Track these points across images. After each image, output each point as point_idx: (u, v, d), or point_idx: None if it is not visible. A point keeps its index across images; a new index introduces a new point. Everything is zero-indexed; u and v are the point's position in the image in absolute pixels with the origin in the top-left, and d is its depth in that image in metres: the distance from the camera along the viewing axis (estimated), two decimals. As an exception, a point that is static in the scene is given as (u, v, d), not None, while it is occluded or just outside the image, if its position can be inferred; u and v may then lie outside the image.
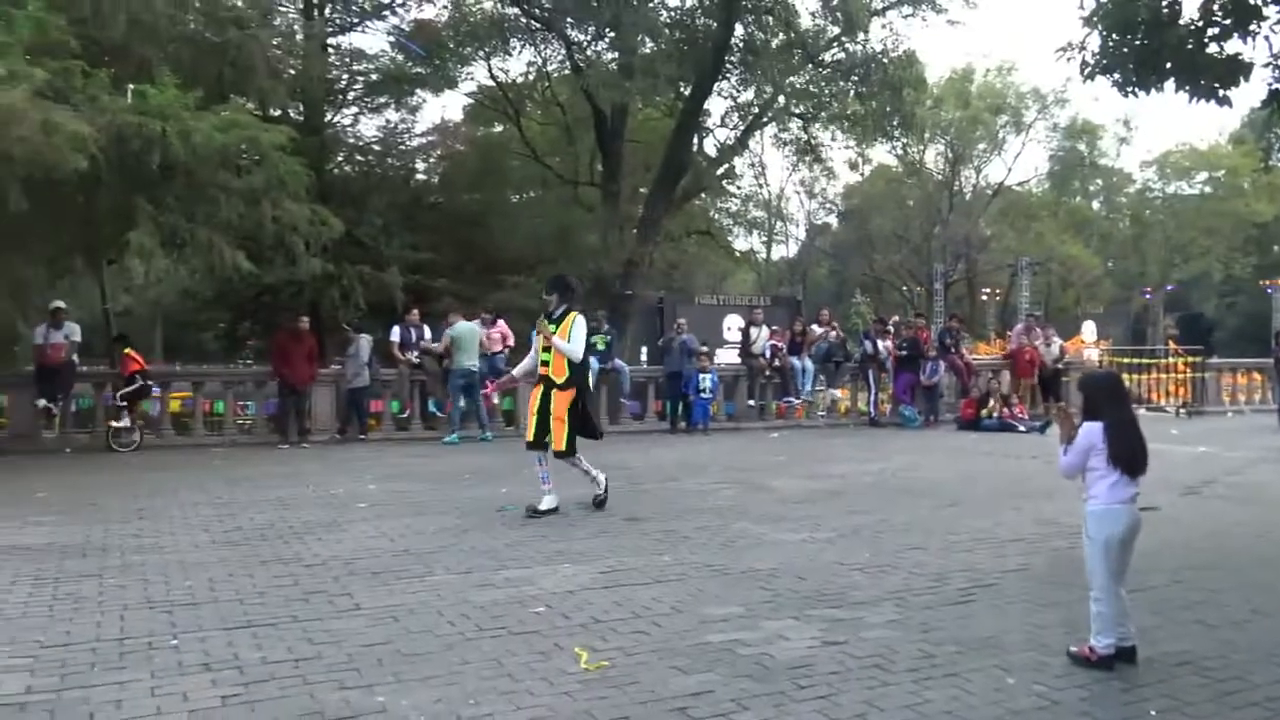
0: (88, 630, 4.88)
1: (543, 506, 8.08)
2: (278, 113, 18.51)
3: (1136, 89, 6.95)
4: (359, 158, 25.72)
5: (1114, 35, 6.85)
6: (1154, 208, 56.29)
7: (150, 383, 14.12)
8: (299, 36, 20.23)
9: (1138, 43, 6.81)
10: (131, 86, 12.57)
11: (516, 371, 9.28)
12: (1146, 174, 56.85)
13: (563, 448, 8.15)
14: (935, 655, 4.58)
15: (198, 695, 4.02)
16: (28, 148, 10.20)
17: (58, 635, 4.80)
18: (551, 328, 8.14)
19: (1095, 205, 59.76)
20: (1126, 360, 22.65)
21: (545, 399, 8.18)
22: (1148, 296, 44.32)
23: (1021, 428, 15.66)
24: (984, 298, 50.01)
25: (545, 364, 8.21)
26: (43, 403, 13.22)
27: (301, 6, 22.22)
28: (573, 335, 8.10)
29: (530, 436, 8.25)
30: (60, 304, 13.75)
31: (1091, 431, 4.53)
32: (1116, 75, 6.96)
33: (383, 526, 7.60)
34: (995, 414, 16.11)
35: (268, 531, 7.42)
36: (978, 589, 5.77)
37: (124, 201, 12.60)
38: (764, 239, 53.84)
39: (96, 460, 12.26)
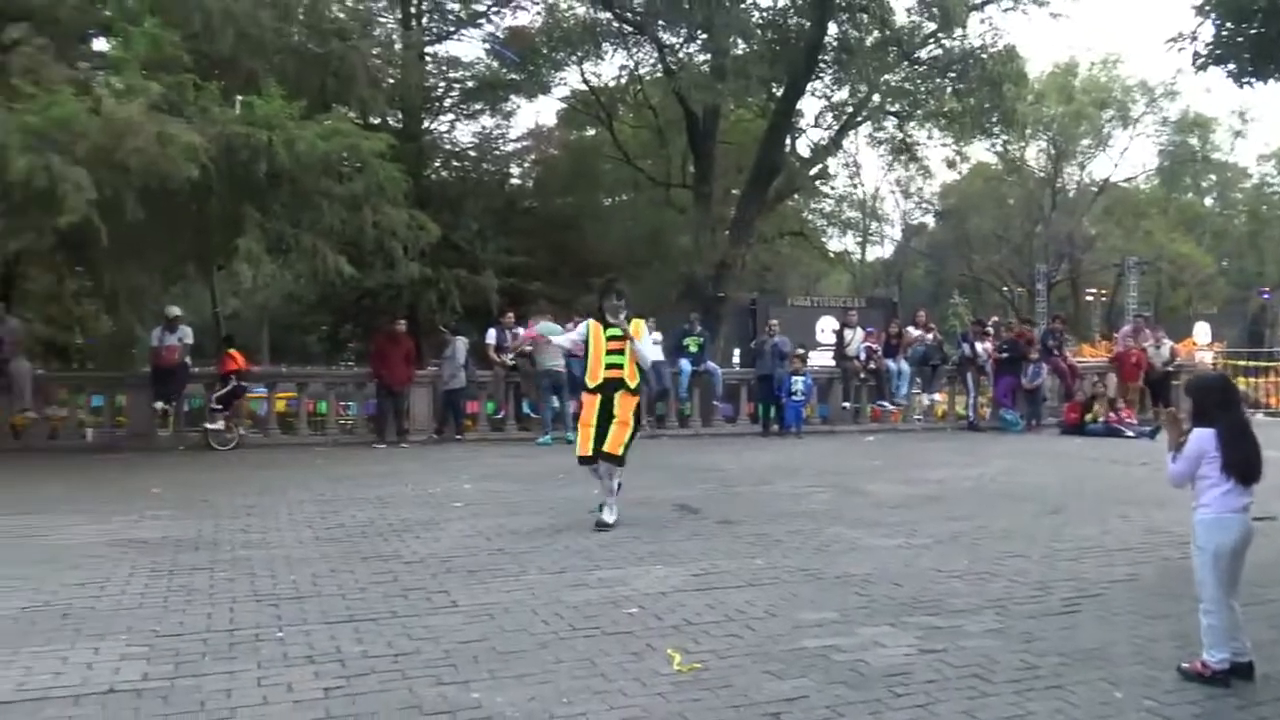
0: (199, 621, 5.08)
1: (612, 520, 7.69)
2: (377, 121, 18.96)
3: (1252, 79, 6.67)
4: (455, 163, 26.23)
5: (1228, 24, 6.59)
6: (1272, 203, 53.81)
7: (243, 384, 14.46)
8: (398, 46, 20.73)
9: (1254, 31, 6.54)
10: (240, 98, 13.02)
11: (553, 337, 9.27)
12: (1264, 168, 54.43)
13: (620, 452, 7.69)
14: (1038, 666, 4.45)
15: (302, 686, 4.15)
16: (143, 159, 10.65)
17: (172, 625, 5.01)
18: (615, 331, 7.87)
19: (1208, 201, 57.44)
20: (1242, 363, 21.74)
21: (608, 404, 7.73)
22: (1265, 296, 42.21)
23: (1129, 432, 15.13)
24: (1089, 298, 48.47)
25: (616, 366, 7.81)
26: (159, 405, 13.82)
27: (400, 17, 22.79)
28: (648, 340, 8.07)
29: (587, 450, 7.70)
30: (176, 310, 14.34)
31: (1202, 438, 4.35)
32: (1231, 65, 6.69)
33: (478, 525, 7.72)
34: (1101, 418, 15.58)
35: (368, 529, 7.61)
36: (1083, 599, 5.59)
37: (233, 209, 13.06)
38: (858, 240, 53.16)
39: (207, 458, 12.75)
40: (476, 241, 22.39)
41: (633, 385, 7.89)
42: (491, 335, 15.36)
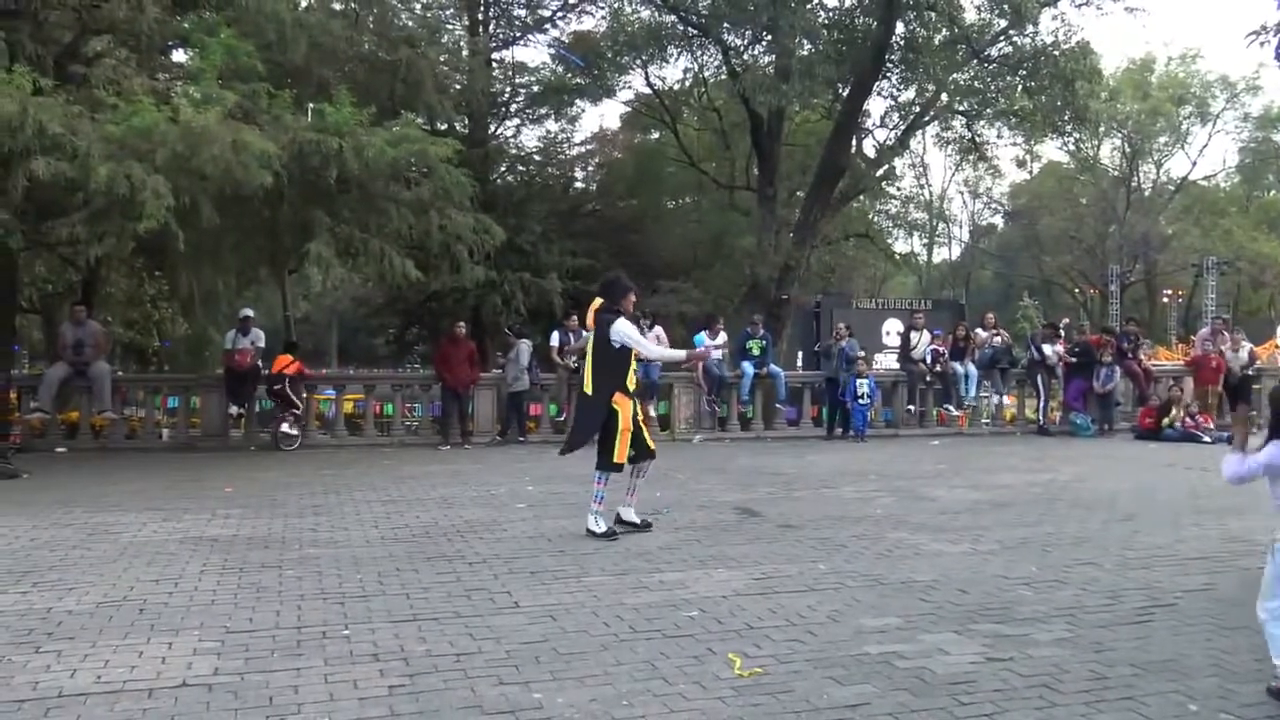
0: (268, 618, 5.19)
1: (628, 517, 7.72)
2: (444, 126, 19.23)
3: (1339, 72, 6.42)
4: (520, 167, 26.49)
5: (1313, 15, 6.35)
6: (1358, 201, 51.95)
7: (286, 385, 14.15)
8: (465, 52, 21.01)
9: (1341, 22, 6.29)
10: (311, 105, 13.30)
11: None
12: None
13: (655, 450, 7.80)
14: (1109, 677, 4.34)
15: (367, 684, 4.21)
16: (219, 166, 10.92)
17: (242, 622, 5.12)
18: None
19: (1291, 199, 55.56)
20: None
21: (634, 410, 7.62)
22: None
23: (1207, 438, 14.70)
24: (1165, 300, 47.25)
25: (634, 374, 7.73)
26: (234, 410, 14.15)
27: (467, 23, 23.09)
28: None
29: (624, 458, 7.48)
30: (249, 312, 14.67)
31: (1277, 453, 4.20)
32: (1315, 58, 6.45)
33: (540, 526, 7.78)
34: (1178, 423, 15.13)
35: (432, 529, 7.70)
36: (1156, 608, 5.43)
37: (304, 214, 13.32)
38: (925, 241, 52.58)
39: (277, 458, 13.03)
40: (540, 245, 22.57)
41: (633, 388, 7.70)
42: (555, 338, 15.46)
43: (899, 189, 33.65)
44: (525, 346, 15.02)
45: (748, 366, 15.70)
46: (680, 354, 9.37)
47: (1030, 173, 50.14)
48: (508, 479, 10.70)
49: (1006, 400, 17.44)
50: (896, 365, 17.53)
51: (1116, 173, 48.77)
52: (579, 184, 28.92)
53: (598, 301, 7.70)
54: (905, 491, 9.76)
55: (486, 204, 18.43)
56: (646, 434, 7.67)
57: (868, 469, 11.63)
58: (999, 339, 17.14)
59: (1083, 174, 47.63)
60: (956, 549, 6.96)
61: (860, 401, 15.41)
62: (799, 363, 20.66)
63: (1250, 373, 17.08)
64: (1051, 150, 45.85)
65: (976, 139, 24.83)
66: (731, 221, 25.81)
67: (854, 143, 22.58)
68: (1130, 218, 46.39)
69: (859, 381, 15.45)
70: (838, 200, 22.64)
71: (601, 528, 7.39)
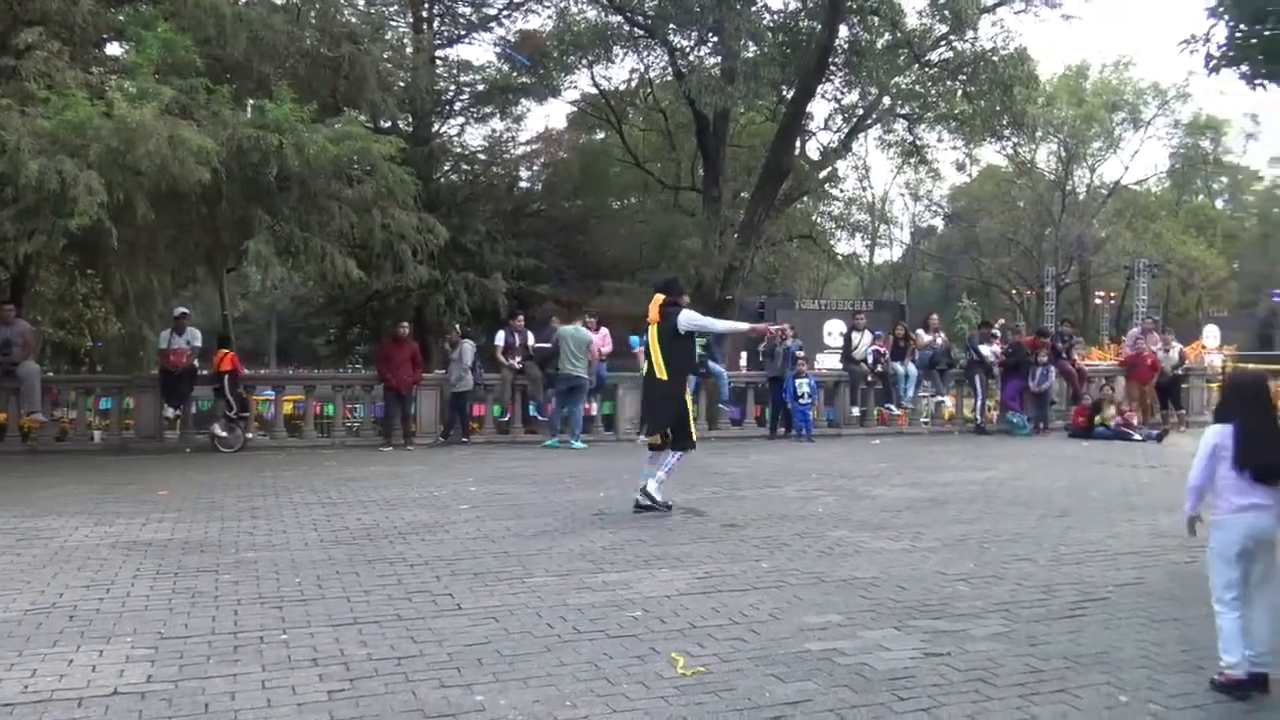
0: (204, 624, 5.08)
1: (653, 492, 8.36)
2: (388, 124, 19.02)
3: (1265, 81, 6.62)
4: (465, 166, 26.28)
5: (1242, 26, 6.54)
6: (1285, 206, 53.61)
7: (218, 386, 13.92)
8: (409, 50, 20.80)
9: (1267, 33, 6.49)
10: (251, 102, 13.07)
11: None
12: (1276, 171, 54.15)
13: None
14: (1043, 670, 4.43)
15: (306, 689, 4.15)
16: (155, 162, 10.70)
17: (177, 627, 5.02)
18: None
19: (1219, 204, 57.20)
20: (1252, 367, 21.54)
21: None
22: (1277, 299, 41.95)
23: (1137, 436, 15.04)
24: (1098, 301, 48.32)
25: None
26: (170, 412, 13.82)
27: (411, 20, 22.86)
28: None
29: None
30: (184, 310, 14.36)
31: (1218, 433, 4.29)
32: (1244, 67, 6.65)
33: (484, 528, 7.71)
34: (1110, 421, 15.48)
35: (373, 531, 7.61)
36: (1089, 603, 5.56)
37: (243, 212, 13.10)
38: (867, 243, 53.10)
39: (215, 460, 12.77)
40: (485, 244, 22.43)
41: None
42: (500, 338, 15.34)
43: (842, 191, 34.04)
44: (469, 347, 14.90)
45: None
46: (744, 326, 10.27)
47: (970, 176, 50.96)
48: (451, 480, 10.60)
49: (946, 400, 17.69)
50: (839, 365, 17.69)
51: (1052, 176, 49.80)
52: (524, 184, 28.80)
53: (660, 297, 8.41)
54: (847, 490, 9.87)
55: (430, 203, 18.28)
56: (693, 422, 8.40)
57: (810, 468, 11.73)
58: (940, 340, 17.35)
59: (1020, 178, 48.61)
60: (897, 546, 7.06)
61: (801, 401, 15.52)
62: (743, 363, 20.78)
63: (1180, 373, 17.49)
64: (990, 154, 46.70)
65: (918, 142, 25.17)
66: (677, 222, 25.87)
67: (798, 145, 22.75)
68: (1065, 221, 47.38)
69: (799, 381, 15.56)
70: (782, 201, 22.80)
71: (659, 497, 8.26)
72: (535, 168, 29.06)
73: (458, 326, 16.20)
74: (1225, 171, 53.55)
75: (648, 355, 8.52)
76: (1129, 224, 48.16)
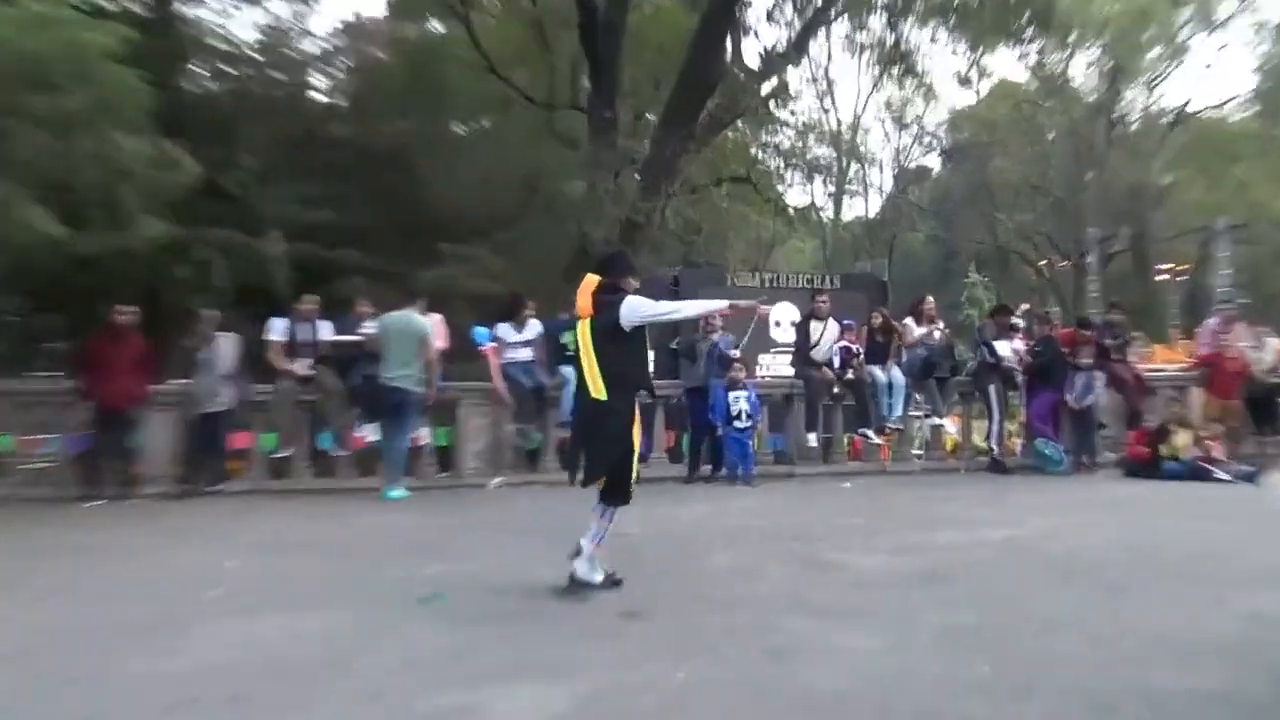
0: None
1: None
2: (112, 5, 18.59)
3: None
4: (227, 69, 25.83)
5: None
6: None
7: None
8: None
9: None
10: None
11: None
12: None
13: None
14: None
15: None
16: None
17: None
18: None
19: (1328, 139, 59.56)
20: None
21: None
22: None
23: (1224, 475, 15.49)
24: (1163, 277, 49.86)
25: None
26: None
27: None
28: None
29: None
30: None
31: None
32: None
33: (248, 626, 7.50)
34: (1185, 453, 15.90)
35: (69, 636, 7.33)
36: (1161, 725, 5.59)
37: None
38: (831, 189, 53.91)
39: None
40: (256, 187, 22.08)
41: None
42: (278, 330, 15.03)
43: (794, 114, 34.45)
44: (227, 344, 14.61)
45: (570, 372, 15.61)
46: (718, 304, 9.77)
47: (977, 94, 52.10)
48: (196, 551, 10.36)
49: (947, 422, 17.95)
50: (790, 370, 17.79)
51: (1095, 98, 51.28)
52: (319, 96, 28.42)
53: (592, 279, 8.56)
54: (804, 559, 9.86)
55: (173, 124, 17.83)
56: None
57: (750, 526, 11.75)
58: (938, 334, 17.50)
59: (1048, 99, 49.92)
60: (878, 643, 7.03)
61: (737, 426, 15.55)
62: (649, 367, 20.76)
63: (1276, 380, 18.01)
64: (1006, 64, 47.59)
65: (902, 44, 25.62)
66: (551, 157, 25.83)
67: (729, 45, 22.91)
68: (1113, 161, 48.81)
69: (733, 396, 15.58)
70: (706, 128, 22.92)
71: (599, 577, 8.45)
72: (337, 74, 28.71)
73: (212, 313, 15.78)
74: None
75: (577, 364, 8.62)
76: (1203, 167, 49.84)
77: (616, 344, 8.37)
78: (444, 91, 28.29)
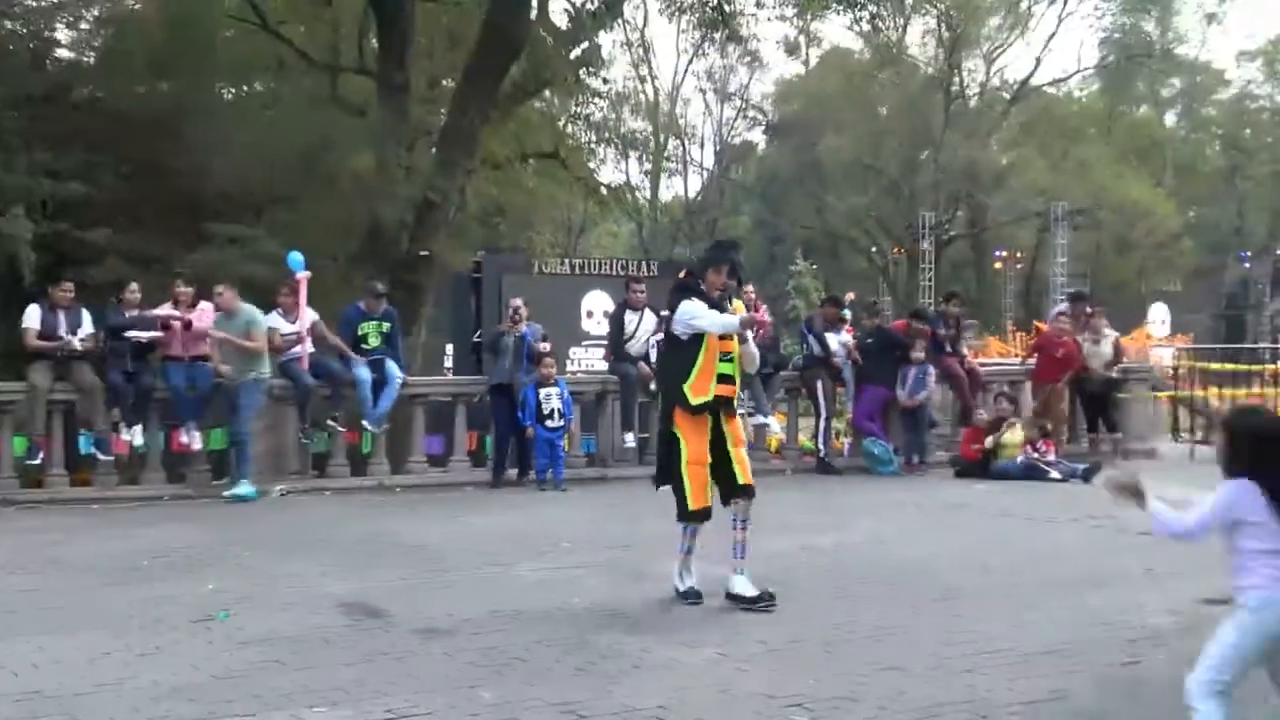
0: None
1: (741, 590, 8.57)
2: None
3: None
4: (-48, 19, 24.93)
5: None
6: (1260, 125, 58.17)
7: None
8: None
9: None
10: None
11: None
12: (1246, 71, 58.98)
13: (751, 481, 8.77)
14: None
15: None
16: None
17: None
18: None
19: (1170, 119, 61.60)
20: (1216, 366, 23.44)
21: (717, 428, 8.68)
22: (1248, 265, 46.15)
23: (1054, 473, 16.10)
24: (999, 265, 51.17)
25: (729, 379, 8.76)
26: None
27: None
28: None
29: (707, 501, 8.65)
30: None
31: (1242, 491, 4.84)
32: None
33: (-1, 651, 7.39)
34: (1019, 453, 16.43)
35: None
36: (986, 733, 5.94)
37: None
38: (648, 168, 54.23)
39: None
40: (-7, 158, 21.37)
41: (731, 398, 8.81)
42: (32, 317, 14.62)
43: (607, 82, 34.56)
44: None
45: (362, 369, 15.57)
46: (734, 319, 9.06)
47: (806, 64, 53.03)
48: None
49: (771, 421, 18.29)
50: (604, 365, 17.94)
51: (931, 69, 52.39)
52: (65, 52, 27.56)
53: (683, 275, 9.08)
54: (619, 568, 10.08)
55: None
56: (736, 461, 8.66)
57: (560, 533, 11.90)
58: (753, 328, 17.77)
59: (882, 69, 50.91)
60: (696, 657, 7.27)
61: (549, 425, 15.64)
62: (447, 361, 20.81)
63: (1115, 375, 18.66)
64: (837, 30, 48.66)
65: (725, 6, 25.94)
66: (334, 126, 25.47)
67: (534, 3, 22.96)
68: (950, 138, 49.86)
69: (543, 393, 15.66)
70: (509, 97, 22.92)
71: (683, 585, 8.75)
72: (86, 25, 27.88)
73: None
74: (1178, 70, 57.87)
75: None
76: (1042, 146, 51.22)
77: (671, 349, 8.98)
78: (209, 49, 27.67)
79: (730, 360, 8.62)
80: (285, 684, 6.69)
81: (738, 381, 8.85)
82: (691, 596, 8.63)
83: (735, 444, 8.69)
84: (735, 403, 8.84)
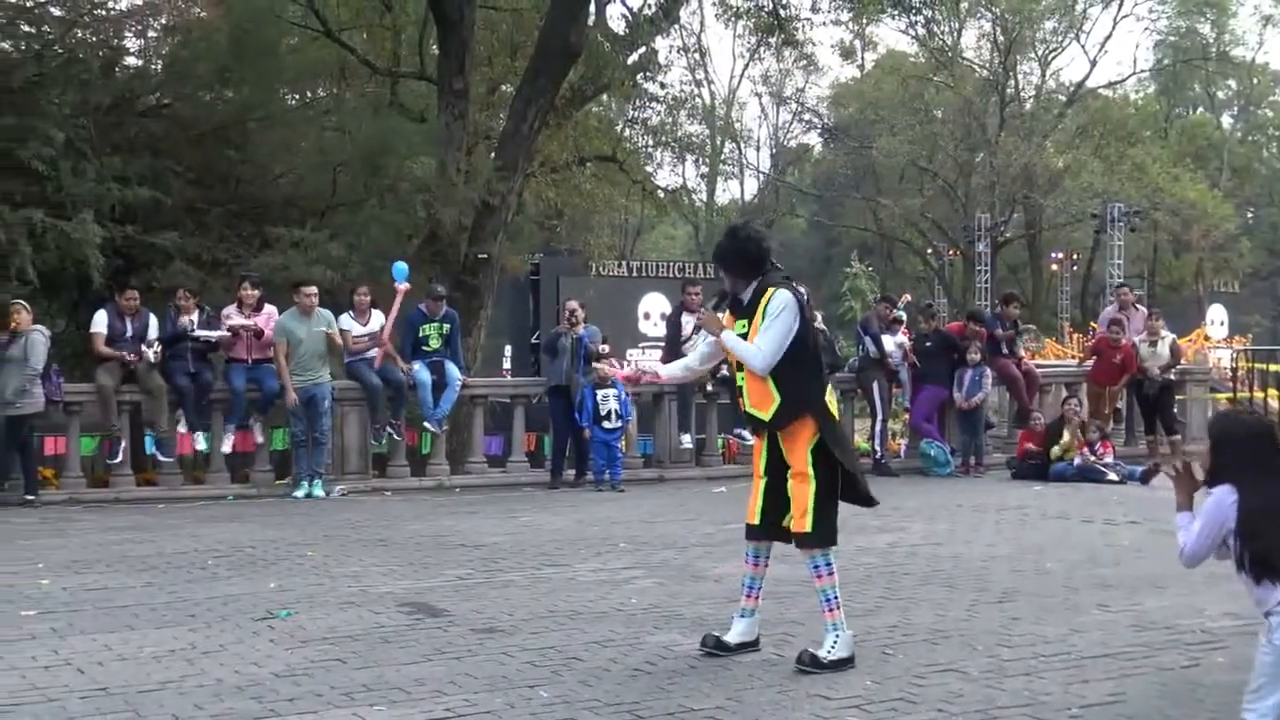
0: None
1: (827, 654, 7.05)
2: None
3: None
4: (26, 28, 25.15)
5: None
6: (1317, 126, 57.57)
7: None
8: None
9: None
10: None
11: (663, 369, 8.81)
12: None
13: (809, 528, 7.17)
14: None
15: None
16: None
17: None
18: (721, 317, 7.55)
19: (1226, 121, 61.02)
20: (1275, 367, 23.13)
21: (773, 451, 7.43)
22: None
23: (1112, 475, 16.01)
24: (1054, 267, 50.84)
25: (740, 390, 7.58)
26: None
27: None
28: (769, 325, 7.21)
29: (754, 518, 7.46)
30: None
31: (1224, 503, 4.70)
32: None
33: (66, 649, 7.45)
34: (1075, 454, 16.30)
35: None
36: (1045, 736, 5.88)
37: None
38: (704, 171, 54.22)
39: None
40: (64, 163, 21.52)
41: (767, 416, 7.37)
42: (101, 322, 14.82)
43: (664, 87, 34.55)
44: (40, 339, 14.33)
45: (422, 369, 15.63)
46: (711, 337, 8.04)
47: (861, 68, 52.86)
48: (5, 568, 10.19)
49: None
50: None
51: (986, 73, 52.14)
52: (133, 60, 27.78)
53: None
54: (675, 569, 10.06)
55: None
56: (792, 496, 7.27)
57: (617, 534, 11.90)
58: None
59: (938, 73, 50.71)
60: (752, 657, 7.26)
61: (606, 426, 15.65)
62: (506, 362, 20.86)
63: (1172, 377, 18.47)
64: (892, 34, 48.49)
65: (781, 11, 25.88)
66: (395, 131, 25.58)
67: (592, 10, 22.98)
68: (1005, 141, 49.58)
69: (600, 394, 15.67)
70: (568, 102, 22.97)
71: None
72: (152, 34, 28.10)
73: (19, 304, 15.49)
74: (1234, 72, 57.30)
75: None
76: (1097, 149, 50.84)
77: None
78: (273, 56, 27.84)
79: (741, 368, 7.49)
80: (345, 682, 6.72)
81: (745, 391, 7.43)
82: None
83: (792, 475, 7.25)
84: (771, 419, 7.30)
